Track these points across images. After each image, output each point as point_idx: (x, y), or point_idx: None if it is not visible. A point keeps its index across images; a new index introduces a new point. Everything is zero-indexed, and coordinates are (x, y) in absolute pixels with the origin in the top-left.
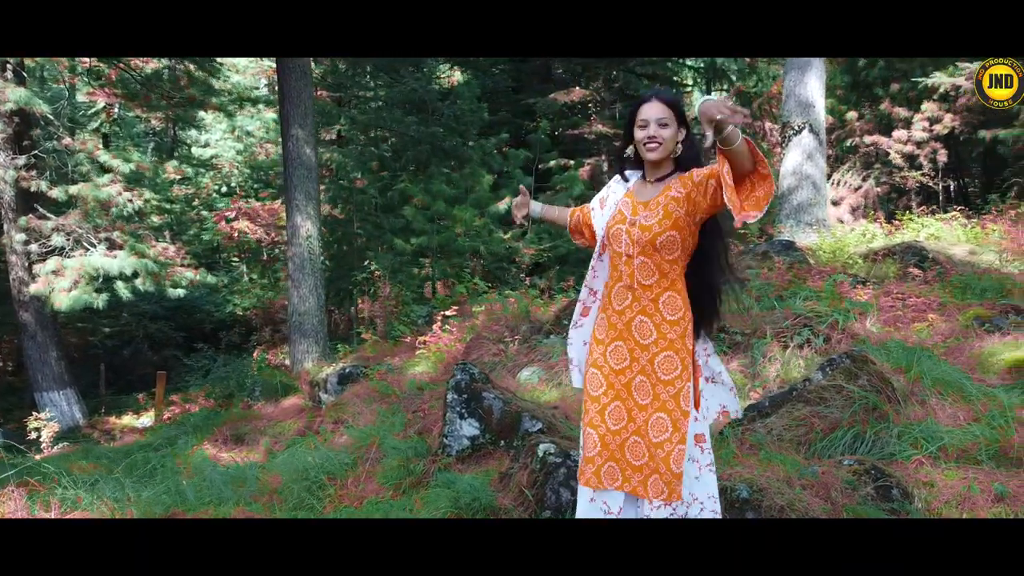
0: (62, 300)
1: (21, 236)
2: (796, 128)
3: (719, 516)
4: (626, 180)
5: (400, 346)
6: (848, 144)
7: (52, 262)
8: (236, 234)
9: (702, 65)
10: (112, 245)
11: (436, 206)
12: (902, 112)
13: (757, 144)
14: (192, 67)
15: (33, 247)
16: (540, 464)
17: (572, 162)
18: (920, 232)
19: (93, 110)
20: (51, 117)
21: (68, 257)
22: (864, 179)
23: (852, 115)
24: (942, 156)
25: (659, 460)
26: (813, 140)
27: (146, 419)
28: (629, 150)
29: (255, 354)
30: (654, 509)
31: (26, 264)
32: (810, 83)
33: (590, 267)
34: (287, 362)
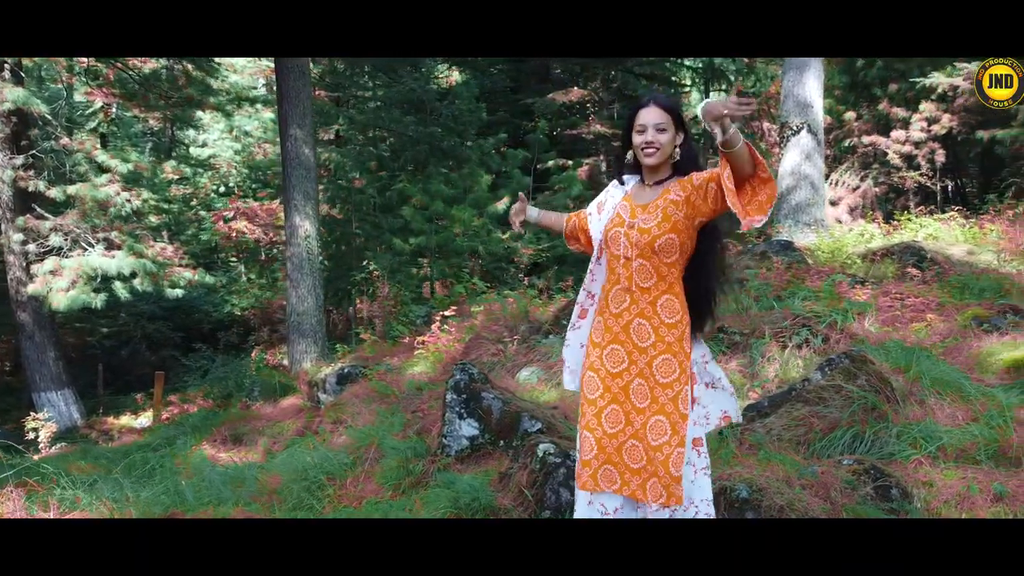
0: (60, 300)
1: (19, 236)
2: (794, 128)
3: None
4: (623, 184)
5: (399, 346)
6: (846, 144)
7: (50, 262)
8: (234, 234)
9: (700, 65)
10: (110, 245)
11: (434, 206)
12: (900, 112)
13: (755, 145)
14: (190, 67)
15: (31, 247)
16: (539, 464)
17: (570, 162)
18: (918, 232)
19: (91, 110)
20: (49, 117)
21: (66, 257)
22: (862, 179)
23: (850, 115)
24: (940, 156)
25: (658, 463)
26: (811, 140)
27: (144, 419)
28: (629, 155)
29: (253, 354)
30: (652, 513)
31: (24, 264)
32: (808, 83)
33: (588, 271)
34: (285, 362)
